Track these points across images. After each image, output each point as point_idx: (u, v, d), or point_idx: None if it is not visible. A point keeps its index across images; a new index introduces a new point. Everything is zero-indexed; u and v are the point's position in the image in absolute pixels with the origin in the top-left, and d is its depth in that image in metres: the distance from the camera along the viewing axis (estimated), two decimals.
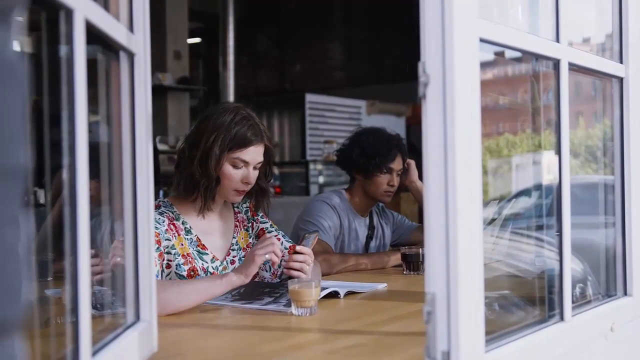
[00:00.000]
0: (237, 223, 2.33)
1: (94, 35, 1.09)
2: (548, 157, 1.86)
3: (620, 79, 1.76)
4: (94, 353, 1.06)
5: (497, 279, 1.71)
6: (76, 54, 0.98)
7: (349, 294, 2.13)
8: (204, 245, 2.19)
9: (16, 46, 0.54)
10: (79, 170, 0.98)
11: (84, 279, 0.98)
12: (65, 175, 0.98)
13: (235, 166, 2.15)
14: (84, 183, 0.99)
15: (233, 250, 2.28)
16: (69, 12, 0.97)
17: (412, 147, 5.42)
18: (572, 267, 1.52)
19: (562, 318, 1.47)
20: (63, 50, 0.99)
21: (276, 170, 7.58)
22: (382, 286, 2.30)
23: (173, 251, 2.10)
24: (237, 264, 2.24)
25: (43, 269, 1.38)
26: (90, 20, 1.03)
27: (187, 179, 2.15)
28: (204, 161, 2.12)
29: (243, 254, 2.29)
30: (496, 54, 1.43)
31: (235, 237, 2.30)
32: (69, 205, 0.98)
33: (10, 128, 0.52)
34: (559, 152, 1.49)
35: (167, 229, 2.10)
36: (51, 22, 0.99)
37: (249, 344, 1.59)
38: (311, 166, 7.28)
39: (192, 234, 2.17)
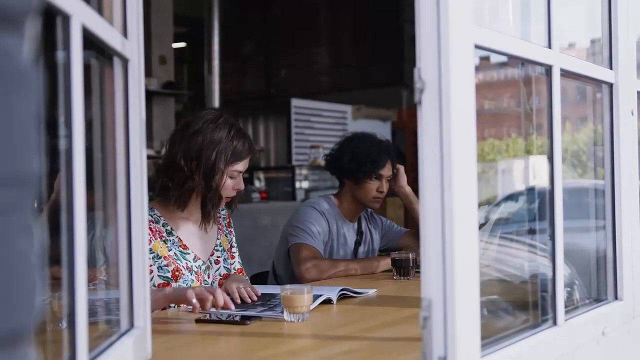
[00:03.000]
0: (220, 226, 2.40)
1: (88, 41, 1.08)
2: (534, 162, 1.88)
3: (610, 85, 1.78)
4: None
5: (490, 284, 1.71)
6: (73, 60, 0.98)
7: (342, 297, 2.13)
8: (185, 245, 2.24)
9: (28, 54, 0.53)
10: (75, 176, 0.97)
11: (80, 287, 0.98)
12: (62, 181, 0.97)
13: (232, 177, 2.24)
14: (80, 189, 0.98)
15: (217, 250, 2.35)
16: (66, 18, 0.96)
17: (398, 152, 5.42)
18: None
19: (555, 322, 1.48)
20: (59, 55, 0.98)
21: (262, 175, 7.57)
22: (372, 292, 2.30)
23: (152, 254, 2.13)
24: (221, 264, 2.34)
25: None
26: (86, 26, 1.03)
27: (186, 192, 2.20)
28: (209, 176, 2.18)
29: (226, 255, 2.37)
30: (481, 58, 1.44)
31: (219, 239, 2.37)
32: (66, 212, 0.97)
33: (23, 136, 0.51)
34: (551, 157, 1.50)
35: None
36: (46, 28, 0.99)
37: (243, 350, 1.59)
38: (297, 171, 7.26)
39: (173, 235, 2.23)
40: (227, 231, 2.42)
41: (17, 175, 0.51)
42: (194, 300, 1.85)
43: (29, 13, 0.54)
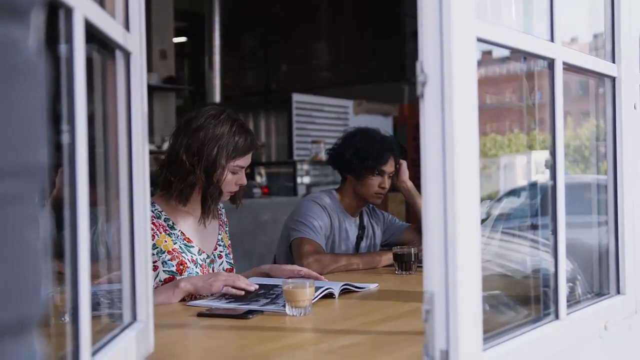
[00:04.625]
0: (221, 222, 2.42)
1: (90, 34, 1.08)
2: (537, 157, 1.87)
3: (613, 79, 1.77)
4: (93, 353, 1.05)
5: (492, 279, 1.71)
6: (75, 53, 0.97)
7: (344, 292, 2.13)
8: (189, 238, 2.26)
9: (34, 45, 0.53)
10: (78, 170, 0.97)
11: (84, 280, 0.98)
12: (65, 175, 0.97)
13: (234, 173, 2.24)
14: (83, 183, 0.98)
15: (219, 245, 2.37)
16: (69, 11, 0.96)
17: (400, 148, 5.42)
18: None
19: (557, 316, 1.48)
20: (62, 48, 0.98)
21: (263, 171, 7.57)
22: (373, 286, 2.30)
23: (155, 250, 2.14)
24: (224, 259, 2.36)
25: None
26: (89, 19, 1.03)
27: (188, 187, 2.21)
28: (210, 171, 2.19)
29: (228, 251, 2.40)
30: (483, 53, 1.43)
31: (220, 234, 2.39)
32: (69, 206, 0.97)
33: (31, 126, 0.51)
34: (553, 151, 1.50)
35: None
36: (48, 21, 0.98)
37: (244, 344, 1.59)
38: (298, 166, 7.26)
39: (176, 229, 2.24)
40: (226, 229, 2.45)
41: (24, 166, 0.51)
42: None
43: (34, 4, 0.54)
